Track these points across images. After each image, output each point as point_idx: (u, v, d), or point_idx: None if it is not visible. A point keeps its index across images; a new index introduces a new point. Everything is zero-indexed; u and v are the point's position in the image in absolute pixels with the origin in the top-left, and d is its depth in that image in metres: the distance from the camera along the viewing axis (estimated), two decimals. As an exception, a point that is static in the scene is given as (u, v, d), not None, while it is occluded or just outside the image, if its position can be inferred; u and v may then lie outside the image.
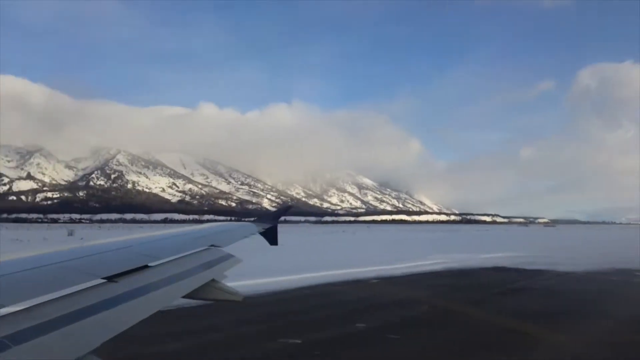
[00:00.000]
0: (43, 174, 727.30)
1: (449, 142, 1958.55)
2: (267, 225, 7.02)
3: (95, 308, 2.18)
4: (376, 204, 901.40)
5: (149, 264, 3.06)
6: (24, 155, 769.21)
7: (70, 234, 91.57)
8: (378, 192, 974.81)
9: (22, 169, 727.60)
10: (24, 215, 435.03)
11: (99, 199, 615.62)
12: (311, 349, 12.03)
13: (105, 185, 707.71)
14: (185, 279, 3.16)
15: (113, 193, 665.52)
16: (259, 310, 16.81)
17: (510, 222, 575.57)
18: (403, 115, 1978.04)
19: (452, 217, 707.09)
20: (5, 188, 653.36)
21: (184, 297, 3.00)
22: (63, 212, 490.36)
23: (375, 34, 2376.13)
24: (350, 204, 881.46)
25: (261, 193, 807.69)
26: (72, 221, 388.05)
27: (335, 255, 41.73)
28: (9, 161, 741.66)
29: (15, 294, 1.96)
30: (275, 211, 8.56)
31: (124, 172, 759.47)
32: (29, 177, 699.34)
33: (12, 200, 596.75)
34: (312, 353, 11.65)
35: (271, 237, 7.04)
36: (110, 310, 2.22)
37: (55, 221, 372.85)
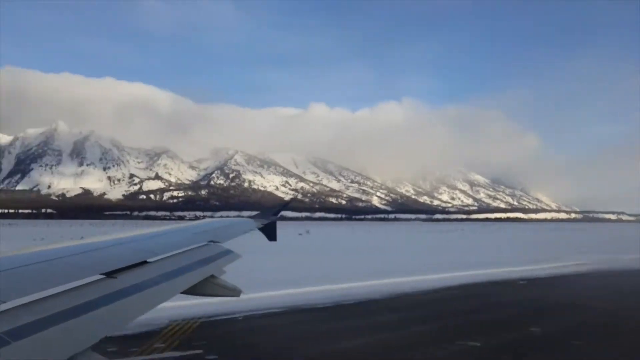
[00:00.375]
0: (169, 174, 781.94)
1: (567, 136, 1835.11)
2: (266, 221, 6.94)
3: (95, 304, 2.19)
4: (489, 201, 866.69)
5: (148, 260, 3.08)
6: (152, 157, 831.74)
7: None
8: (490, 189, 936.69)
9: (150, 169, 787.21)
10: (152, 213, 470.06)
11: (219, 197, 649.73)
12: (496, 354, 11.96)
13: (225, 184, 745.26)
14: (184, 274, 3.16)
15: (231, 191, 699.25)
16: (424, 309, 17.26)
17: (638, 221, 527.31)
18: (516, 109, 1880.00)
19: (573, 215, 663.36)
20: (136, 188, 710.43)
21: (183, 292, 3.02)
22: (187, 210, 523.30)
23: (484, 26, 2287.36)
24: (462, 201, 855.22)
25: (371, 191, 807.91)
26: (196, 218, 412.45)
27: (469, 255, 41.29)
28: (139, 162, 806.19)
29: (15, 290, 1.97)
30: (274, 207, 8.61)
31: (241, 172, 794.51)
32: (157, 177, 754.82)
33: (142, 199, 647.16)
34: (500, 358, 11.67)
35: (270, 232, 6.92)
36: (110, 306, 2.23)
37: (181, 218, 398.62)
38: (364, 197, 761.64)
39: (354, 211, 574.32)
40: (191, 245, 3.93)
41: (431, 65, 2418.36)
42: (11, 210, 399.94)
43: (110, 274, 2.59)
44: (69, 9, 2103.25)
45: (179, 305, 17.04)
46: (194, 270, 3.32)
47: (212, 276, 3.45)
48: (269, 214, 7.64)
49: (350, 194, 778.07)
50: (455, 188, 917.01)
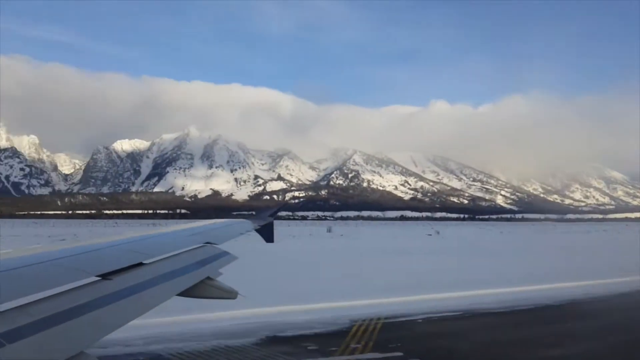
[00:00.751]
0: (291, 175, 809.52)
1: None
2: (263, 222, 6.84)
3: (90, 306, 2.18)
4: (628, 199, 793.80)
5: (144, 262, 3.06)
6: (275, 158, 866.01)
7: (329, 230, 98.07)
8: (630, 186, 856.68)
9: (273, 170, 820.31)
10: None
11: (339, 197, 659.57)
12: None
13: (344, 184, 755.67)
14: (180, 276, 3.15)
15: (350, 191, 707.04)
16: (610, 317, 16.08)
17: None
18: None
19: None
20: (261, 189, 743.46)
21: (178, 295, 3.00)
22: (308, 210, 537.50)
23: (623, 5, 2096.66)
24: (597, 200, 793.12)
25: (495, 189, 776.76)
26: (319, 218, 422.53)
27: (630, 257, 37.75)
28: (263, 164, 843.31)
29: (10, 292, 1.96)
30: (271, 208, 8.50)
31: (360, 171, 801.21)
32: (279, 178, 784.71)
33: (266, 199, 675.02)
34: None
35: (267, 234, 6.84)
36: (105, 308, 2.23)
37: (304, 218, 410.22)
38: (487, 196, 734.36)
39: (477, 211, 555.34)
40: (187, 247, 3.91)
41: (562, 53, 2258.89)
42: (150, 211, 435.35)
43: (105, 276, 2.59)
44: (198, 20, 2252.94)
45: (355, 305, 17.28)
46: (190, 272, 3.32)
47: (209, 278, 3.44)
48: (266, 215, 7.49)
49: (472, 192, 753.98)
50: (590, 186, 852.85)
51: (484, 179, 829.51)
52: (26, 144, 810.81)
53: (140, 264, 3.02)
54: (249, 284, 20.29)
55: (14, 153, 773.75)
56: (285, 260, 33.45)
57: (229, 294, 3.45)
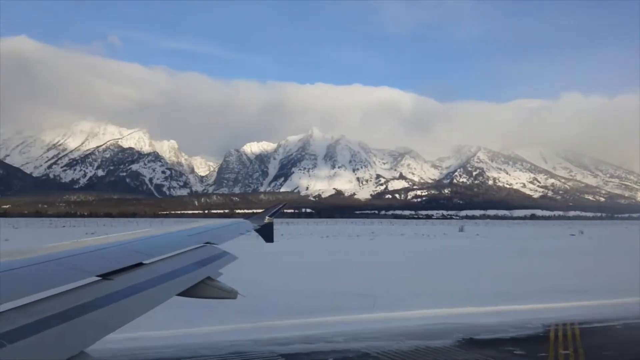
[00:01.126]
0: (413, 173, 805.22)
1: None
2: (263, 222, 6.87)
3: (90, 306, 2.20)
4: None
5: (144, 262, 3.08)
6: (396, 157, 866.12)
7: (461, 229, 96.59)
8: None
9: (395, 169, 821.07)
10: (398, 212, 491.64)
11: (462, 195, 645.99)
12: None
13: (467, 182, 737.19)
14: (180, 276, 3.17)
15: (475, 190, 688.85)
16: None
17: None
18: None
19: None
20: (382, 188, 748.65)
21: (178, 295, 3.00)
22: (430, 209, 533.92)
23: None
24: None
25: (635, 186, 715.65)
26: (443, 217, 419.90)
27: None
28: (384, 163, 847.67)
29: (10, 292, 1.98)
30: (271, 209, 8.77)
31: (484, 169, 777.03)
32: (401, 177, 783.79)
33: (388, 198, 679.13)
34: None
35: (267, 234, 6.91)
36: (105, 308, 2.24)
37: (429, 217, 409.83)
38: (626, 194, 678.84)
39: (615, 209, 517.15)
40: (187, 247, 3.94)
41: None
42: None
43: (106, 276, 2.61)
44: (320, 23, 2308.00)
45: (539, 308, 16.91)
46: (190, 272, 3.35)
47: (209, 278, 3.47)
48: (265, 215, 7.49)
49: (609, 190, 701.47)
50: None
51: (623, 175, 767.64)
52: (166, 148, 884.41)
53: (141, 264, 3.04)
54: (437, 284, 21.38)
55: (156, 157, 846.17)
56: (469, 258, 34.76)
57: (229, 294, 3.47)
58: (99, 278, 2.57)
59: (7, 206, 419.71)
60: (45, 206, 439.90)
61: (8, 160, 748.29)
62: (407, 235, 75.75)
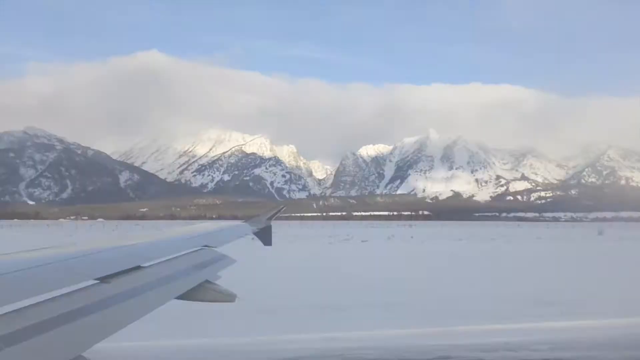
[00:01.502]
0: (535, 174, 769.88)
1: None
2: (261, 225, 6.84)
3: (88, 309, 2.19)
4: None
5: (142, 265, 3.08)
6: (518, 157, 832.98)
7: (600, 232, 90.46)
8: None
9: (516, 170, 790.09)
10: (520, 214, 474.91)
11: (591, 196, 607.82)
12: None
13: (597, 182, 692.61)
14: (178, 280, 3.19)
15: (605, 190, 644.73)
16: None
17: None
18: None
19: None
20: (503, 189, 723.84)
21: (177, 298, 3.02)
22: (556, 211, 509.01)
23: None
24: None
25: None
26: (572, 219, 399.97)
27: None
28: (504, 164, 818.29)
29: (7, 295, 1.97)
30: (270, 211, 8.51)
31: (615, 168, 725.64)
32: (523, 177, 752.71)
33: (509, 200, 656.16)
34: None
35: (265, 237, 6.90)
36: (103, 312, 2.24)
37: (557, 219, 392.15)
38: None
39: None
40: (185, 250, 3.91)
41: None
42: (394, 213, 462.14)
43: (104, 279, 2.59)
44: (435, 22, 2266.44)
45: None
46: (188, 275, 3.36)
47: (207, 281, 3.43)
48: (264, 217, 7.32)
49: None
50: None
51: None
52: (286, 153, 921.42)
53: (139, 267, 3.00)
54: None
55: (276, 162, 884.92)
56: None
57: (228, 298, 3.43)
58: (97, 281, 2.55)
59: (145, 209, 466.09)
60: (178, 209, 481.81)
61: (145, 167, 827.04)
62: (559, 238, 72.14)
